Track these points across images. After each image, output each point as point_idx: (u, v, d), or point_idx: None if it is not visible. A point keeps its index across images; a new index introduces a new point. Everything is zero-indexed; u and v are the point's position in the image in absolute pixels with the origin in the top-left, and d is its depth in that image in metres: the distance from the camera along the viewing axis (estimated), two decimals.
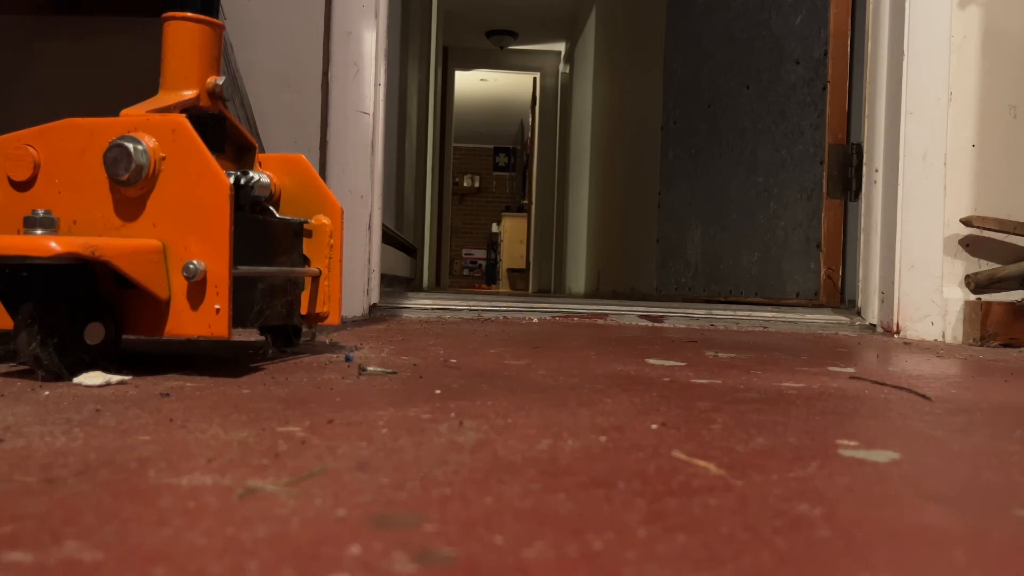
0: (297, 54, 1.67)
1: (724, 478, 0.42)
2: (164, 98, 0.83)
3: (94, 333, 0.72)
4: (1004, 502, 0.39)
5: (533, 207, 7.23)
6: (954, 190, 1.75)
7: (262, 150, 0.98)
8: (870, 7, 1.89)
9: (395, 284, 2.90)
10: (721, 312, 1.94)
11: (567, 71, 6.60)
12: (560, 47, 6.79)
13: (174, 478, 0.39)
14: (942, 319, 1.72)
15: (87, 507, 0.34)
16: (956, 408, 0.71)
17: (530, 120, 7.90)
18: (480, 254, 11.55)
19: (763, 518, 0.35)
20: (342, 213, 1.00)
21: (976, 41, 1.75)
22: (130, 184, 0.74)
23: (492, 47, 6.71)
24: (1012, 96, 1.76)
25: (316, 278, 0.98)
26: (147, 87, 0.85)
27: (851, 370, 1.01)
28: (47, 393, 0.63)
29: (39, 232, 0.69)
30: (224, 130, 0.89)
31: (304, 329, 1.07)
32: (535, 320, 1.80)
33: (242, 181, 0.90)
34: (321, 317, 0.99)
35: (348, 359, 0.93)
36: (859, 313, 1.92)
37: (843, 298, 2.09)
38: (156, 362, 0.85)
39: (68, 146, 0.77)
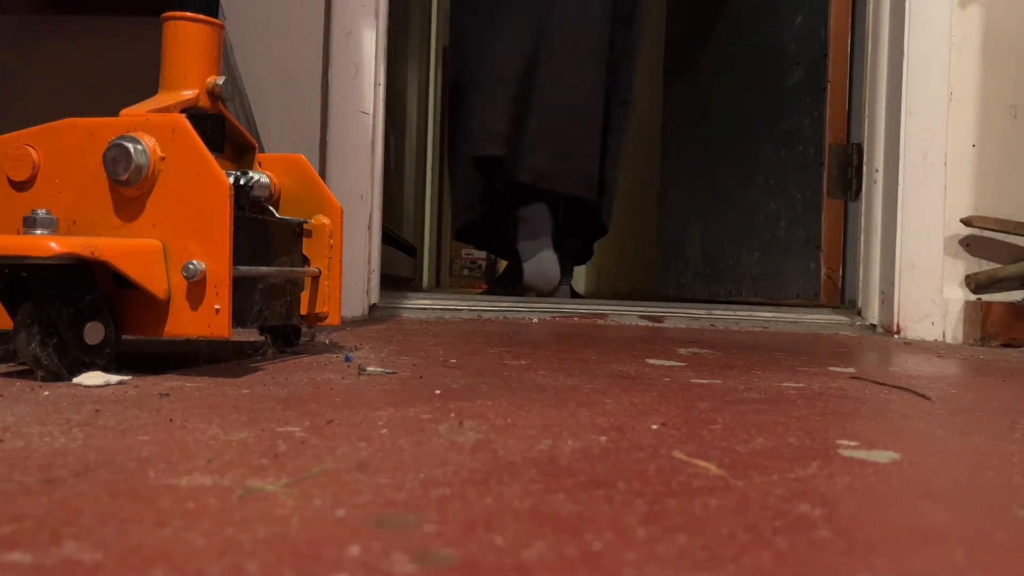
0: (297, 54, 1.67)
1: (724, 478, 0.42)
2: (164, 98, 0.83)
3: (94, 333, 0.72)
4: (1004, 502, 0.39)
5: None
6: (954, 190, 1.75)
7: (262, 150, 0.98)
8: (870, 7, 1.89)
9: (395, 284, 2.89)
10: (721, 312, 1.93)
11: None
12: None
13: (173, 479, 0.39)
14: (942, 319, 1.72)
15: (86, 507, 0.34)
16: (957, 408, 0.71)
17: None
18: (480, 254, 11.52)
19: (764, 518, 0.35)
20: (342, 213, 1.00)
21: (976, 41, 1.75)
22: (129, 184, 0.74)
23: None
24: (1012, 96, 1.75)
25: (316, 278, 0.98)
26: (147, 87, 0.85)
27: (851, 370, 1.01)
28: (46, 393, 0.63)
29: (38, 232, 0.69)
30: (224, 130, 0.89)
31: (304, 329, 1.06)
32: (535, 320, 1.80)
33: (242, 181, 0.90)
34: (321, 317, 0.99)
35: (348, 359, 0.93)
36: (859, 313, 1.91)
37: (843, 298, 2.09)
38: (156, 362, 0.85)
39: (67, 146, 0.77)
